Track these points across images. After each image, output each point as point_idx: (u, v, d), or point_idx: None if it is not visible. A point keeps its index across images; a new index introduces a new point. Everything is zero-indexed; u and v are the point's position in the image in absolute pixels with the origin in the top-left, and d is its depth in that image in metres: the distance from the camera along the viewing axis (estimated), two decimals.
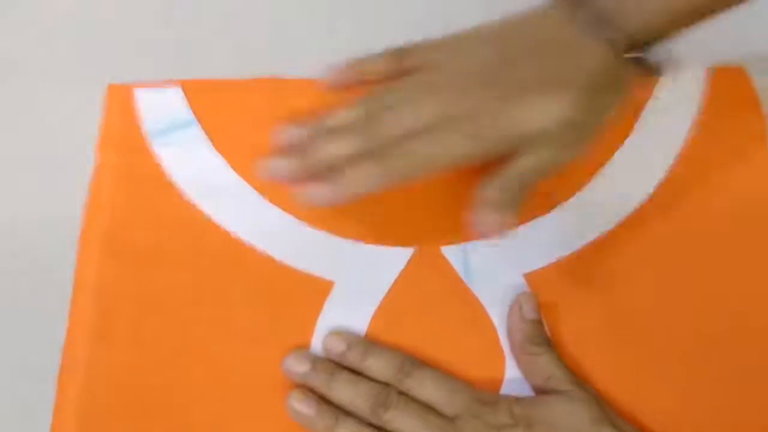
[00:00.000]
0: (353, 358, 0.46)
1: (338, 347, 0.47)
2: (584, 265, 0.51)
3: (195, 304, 0.49)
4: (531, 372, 0.47)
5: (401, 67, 0.49)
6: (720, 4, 0.48)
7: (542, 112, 0.45)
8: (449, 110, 0.45)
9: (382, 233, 0.52)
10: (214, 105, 0.56)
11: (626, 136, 0.55)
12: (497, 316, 0.49)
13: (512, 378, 0.47)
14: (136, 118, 0.55)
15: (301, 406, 0.45)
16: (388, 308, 0.49)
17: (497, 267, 0.51)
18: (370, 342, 0.47)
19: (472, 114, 0.45)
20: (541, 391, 0.46)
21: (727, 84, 0.57)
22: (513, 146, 0.45)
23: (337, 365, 0.46)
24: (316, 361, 0.46)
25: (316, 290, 0.50)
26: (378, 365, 0.46)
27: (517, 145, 0.45)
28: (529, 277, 0.51)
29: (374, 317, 0.49)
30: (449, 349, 0.48)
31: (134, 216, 0.52)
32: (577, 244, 0.51)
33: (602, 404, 0.44)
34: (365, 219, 0.52)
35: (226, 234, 0.51)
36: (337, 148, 0.46)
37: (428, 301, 0.50)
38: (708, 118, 0.55)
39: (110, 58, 0.58)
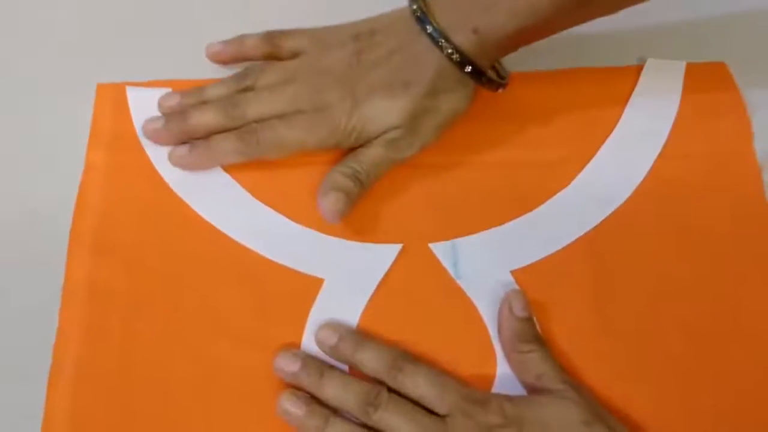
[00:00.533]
0: (345, 351, 0.47)
1: (330, 339, 0.47)
2: (571, 262, 0.51)
3: (186, 303, 0.49)
4: (522, 370, 0.47)
5: (276, 49, 0.55)
6: (564, 22, 0.51)
7: (386, 113, 0.51)
8: (304, 101, 0.51)
9: (369, 230, 0.52)
10: None
11: (609, 132, 0.55)
12: (486, 311, 0.49)
13: (503, 374, 0.48)
14: (127, 116, 0.55)
15: (292, 406, 0.45)
16: (377, 305, 0.50)
17: (485, 263, 0.51)
18: (362, 335, 0.48)
19: (325, 107, 0.51)
20: (532, 389, 0.46)
21: (709, 79, 0.57)
22: (359, 140, 0.51)
23: (327, 364, 0.47)
24: (306, 360, 0.46)
25: (307, 288, 0.50)
26: (370, 359, 0.46)
27: (363, 140, 0.51)
28: (517, 273, 0.51)
29: (364, 314, 0.49)
30: (439, 346, 0.48)
31: (125, 214, 0.52)
32: (564, 240, 0.52)
33: (594, 403, 0.45)
34: (353, 216, 0.51)
35: (217, 232, 0.51)
36: (203, 119, 0.52)
37: (417, 298, 0.50)
38: (690, 113, 0.56)
39: (102, 58, 0.58)
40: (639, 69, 0.57)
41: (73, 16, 0.60)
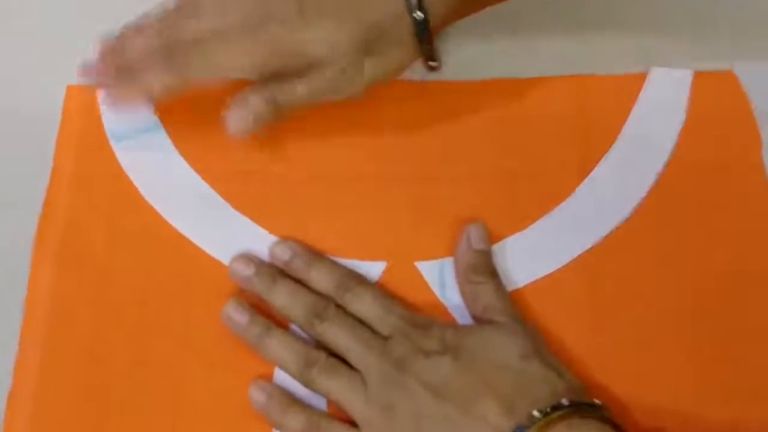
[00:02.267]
0: (297, 268, 0.47)
1: (283, 255, 0.47)
2: (570, 283, 0.49)
3: (154, 316, 0.47)
4: (471, 300, 0.47)
5: None
6: None
7: (330, 38, 0.46)
8: (245, 19, 0.46)
9: (353, 246, 0.49)
10: (181, 107, 0.53)
11: (611, 144, 0.52)
12: None
13: None
14: (97, 120, 0.53)
15: (235, 313, 0.46)
16: None
17: None
18: (316, 253, 0.48)
19: (269, 21, 0.46)
20: (478, 321, 0.46)
21: (716, 88, 0.54)
22: (297, 65, 0.46)
23: (282, 272, 0.46)
24: (260, 265, 0.47)
25: None
26: (320, 277, 0.46)
27: (299, 66, 0.46)
28: (511, 295, 0.48)
29: None
30: None
31: (92, 224, 0.50)
32: (563, 259, 0.49)
33: (537, 340, 0.44)
34: (337, 232, 0.49)
35: (189, 245, 0.49)
36: (137, 46, 0.47)
37: None
38: (697, 123, 0.53)
39: (73, 59, 0.55)
40: (643, 78, 0.54)
41: (45, 17, 0.57)
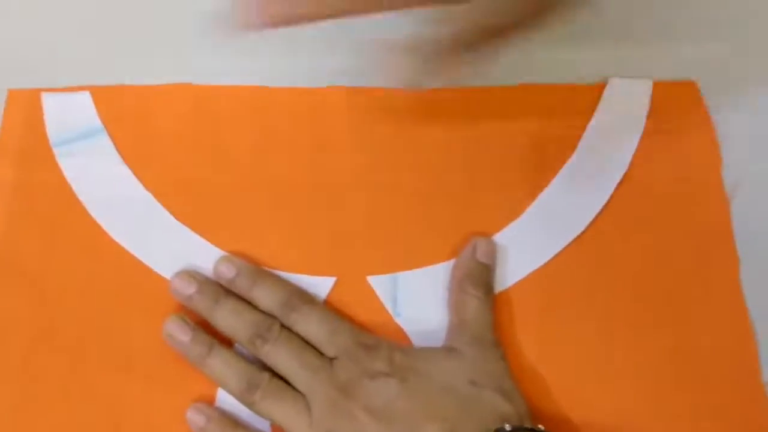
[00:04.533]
0: (241, 286, 0.45)
1: (227, 273, 0.46)
2: (520, 300, 0.48)
3: (92, 334, 0.46)
4: (455, 309, 0.46)
5: None
6: None
7: None
8: None
9: (302, 261, 0.48)
10: (125, 112, 0.52)
11: (567, 157, 0.51)
12: None
13: None
14: (40, 126, 0.51)
15: (177, 331, 0.44)
16: None
17: (429, 301, 0.47)
18: (261, 270, 0.46)
19: None
20: (451, 333, 0.45)
21: (676, 99, 0.53)
22: None
23: (226, 291, 0.45)
24: (203, 283, 0.45)
25: None
26: (265, 295, 0.45)
27: None
28: None
29: None
30: None
31: (31, 237, 0.48)
32: (514, 277, 0.48)
33: (497, 365, 0.43)
34: (284, 246, 0.48)
35: (133, 260, 0.48)
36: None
37: None
38: (655, 137, 0.52)
39: (16, 63, 0.53)
40: (601, 88, 0.53)
41: None
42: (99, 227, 0.48)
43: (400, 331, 0.47)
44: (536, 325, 0.47)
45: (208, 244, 0.48)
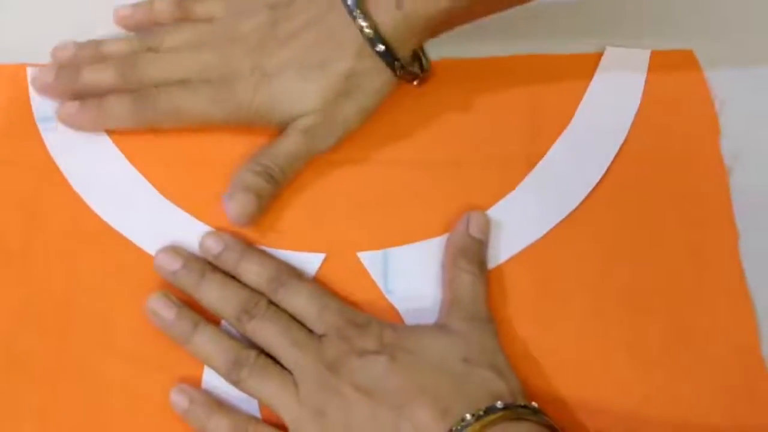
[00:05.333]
0: (228, 261, 0.44)
1: (214, 247, 0.45)
2: (516, 274, 0.47)
3: (75, 312, 0.45)
4: (449, 286, 0.45)
5: (187, 14, 0.50)
6: (481, 10, 0.47)
7: (299, 95, 0.46)
8: (211, 70, 0.47)
9: (290, 236, 0.47)
10: None
11: (563, 128, 0.50)
12: None
13: None
14: (25, 100, 0.50)
15: (161, 308, 0.43)
16: None
17: (419, 277, 0.47)
18: (249, 246, 0.45)
19: (232, 79, 0.46)
20: (444, 310, 0.45)
21: (674, 69, 0.52)
22: (270, 121, 0.47)
23: (211, 266, 0.44)
24: (188, 259, 0.44)
25: None
26: (252, 270, 0.44)
27: (274, 121, 0.47)
28: None
29: None
30: None
31: (14, 212, 0.47)
32: (510, 251, 0.47)
33: (489, 342, 0.43)
34: (273, 222, 0.47)
35: (117, 236, 0.47)
36: (98, 77, 0.47)
37: None
38: (653, 106, 0.51)
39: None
40: (598, 57, 0.52)
41: None
42: (83, 203, 0.47)
43: (391, 308, 0.46)
44: (530, 301, 0.46)
45: (195, 219, 0.47)
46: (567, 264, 0.47)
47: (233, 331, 0.44)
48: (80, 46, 0.49)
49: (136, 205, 0.47)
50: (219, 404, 0.42)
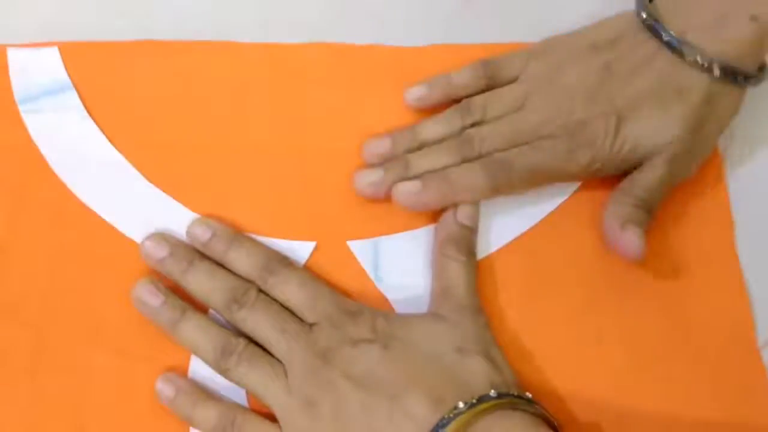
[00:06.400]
0: (216, 248, 0.43)
1: (202, 235, 0.44)
2: (508, 263, 0.46)
3: (60, 304, 0.44)
4: (437, 275, 0.44)
5: (493, 81, 0.48)
6: None
7: (661, 125, 0.45)
8: (552, 125, 0.45)
9: (279, 224, 0.46)
10: (94, 69, 0.50)
11: None
12: None
13: None
14: (5, 82, 0.49)
15: (148, 296, 0.42)
16: None
17: (411, 267, 0.46)
18: (238, 233, 0.44)
19: (581, 129, 0.45)
20: (434, 300, 0.44)
21: None
22: (628, 162, 0.46)
23: (200, 254, 0.43)
24: (175, 246, 0.43)
25: None
26: (242, 258, 0.43)
27: (633, 162, 0.46)
28: None
29: None
30: None
31: None
32: (501, 240, 0.47)
33: (482, 331, 0.42)
34: (262, 209, 0.46)
35: (101, 222, 0.46)
36: (432, 163, 0.45)
37: None
38: None
39: None
40: None
41: None
42: (66, 189, 0.46)
43: (381, 297, 0.45)
44: (522, 292, 0.45)
45: (182, 206, 0.46)
46: (559, 254, 0.46)
47: (221, 319, 0.43)
48: (395, 137, 0.47)
49: (121, 191, 0.46)
50: (206, 393, 0.41)
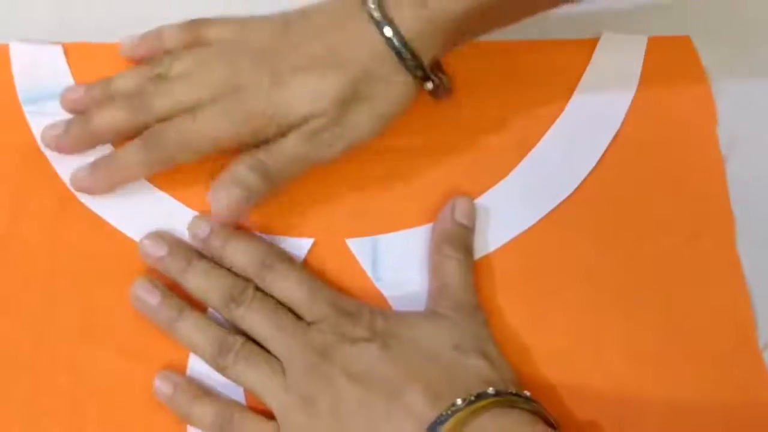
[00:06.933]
0: (214, 245, 0.43)
1: (200, 232, 0.43)
2: (505, 263, 0.46)
3: (59, 301, 0.44)
4: (434, 273, 0.44)
5: (198, 40, 0.48)
6: (507, 17, 0.46)
7: (312, 93, 0.43)
8: (218, 86, 0.44)
9: (277, 221, 0.46)
10: (98, 69, 0.49)
11: (557, 116, 0.49)
12: None
13: None
14: (8, 80, 0.49)
15: (145, 294, 0.42)
16: None
17: (409, 265, 0.46)
18: (236, 230, 0.44)
19: (239, 89, 0.44)
20: (432, 298, 0.44)
21: (670, 55, 0.51)
22: (282, 128, 0.44)
23: (198, 253, 0.43)
24: (174, 245, 0.43)
25: None
26: (239, 255, 0.43)
27: (286, 128, 0.44)
28: None
29: None
30: None
31: None
32: (499, 240, 0.46)
33: (480, 330, 0.42)
34: (260, 206, 0.45)
35: (100, 220, 0.46)
36: (108, 118, 0.45)
37: None
38: (649, 94, 0.50)
39: None
40: (594, 42, 0.52)
41: None
42: (67, 189, 0.46)
43: (380, 295, 0.45)
44: (521, 290, 0.45)
45: (181, 204, 0.46)
46: (559, 253, 0.46)
47: (221, 318, 0.43)
48: (89, 86, 0.47)
49: (120, 190, 0.46)
50: (203, 390, 0.41)
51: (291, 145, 0.44)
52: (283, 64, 0.44)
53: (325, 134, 0.44)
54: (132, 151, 0.45)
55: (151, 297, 0.42)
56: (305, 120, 0.44)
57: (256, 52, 0.45)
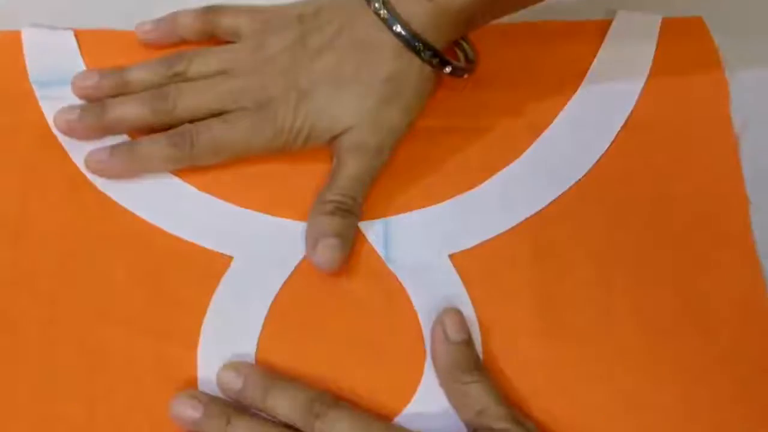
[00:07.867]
0: (253, 397, 0.40)
1: (234, 385, 0.41)
2: (516, 246, 0.45)
3: (72, 281, 0.44)
4: (462, 404, 0.41)
5: (212, 27, 0.49)
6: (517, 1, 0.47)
7: (338, 106, 0.45)
8: (247, 97, 0.45)
9: (288, 204, 0.46)
10: (109, 56, 0.49)
11: (570, 97, 0.49)
12: (420, 300, 0.44)
13: (429, 378, 0.42)
14: (21, 67, 0.49)
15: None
16: (293, 289, 0.44)
17: (421, 245, 0.45)
18: (271, 375, 0.41)
19: (268, 103, 0.45)
20: (471, 427, 0.40)
21: (683, 36, 0.51)
22: (310, 141, 0.45)
23: (236, 408, 0.40)
24: (209, 404, 0.40)
25: (212, 266, 0.44)
26: (283, 404, 0.40)
27: (314, 140, 0.45)
28: (456, 258, 0.45)
29: (277, 299, 0.44)
30: (363, 339, 0.43)
31: (9, 181, 0.46)
32: (510, 221, 0.46)
33: None
34: (270, 188, 0.46)
35: (111, 202, 0.46)
36: (126, 111, 0.46)
37: (341, 283, 0.44)
38: (663, 75, 0.50)
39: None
40: (607, 23, 0.51)
41: None
42: (79, 171, 0.46)
43: (392, 277, 0.45)
44: (532, 272, 0.45)
45: (194, 189, 0.46)
46: (571, 235, 0.46)
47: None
48: (102, 75, 0.47)
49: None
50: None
51: (348, 169, 0.44)
52: (306, 77, 0.45)
53: (367, 142, 0.45)
54: (157, 146, 0.45)
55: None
56: (337, 134, 0.45)
57: (276, 63, 0.46)
